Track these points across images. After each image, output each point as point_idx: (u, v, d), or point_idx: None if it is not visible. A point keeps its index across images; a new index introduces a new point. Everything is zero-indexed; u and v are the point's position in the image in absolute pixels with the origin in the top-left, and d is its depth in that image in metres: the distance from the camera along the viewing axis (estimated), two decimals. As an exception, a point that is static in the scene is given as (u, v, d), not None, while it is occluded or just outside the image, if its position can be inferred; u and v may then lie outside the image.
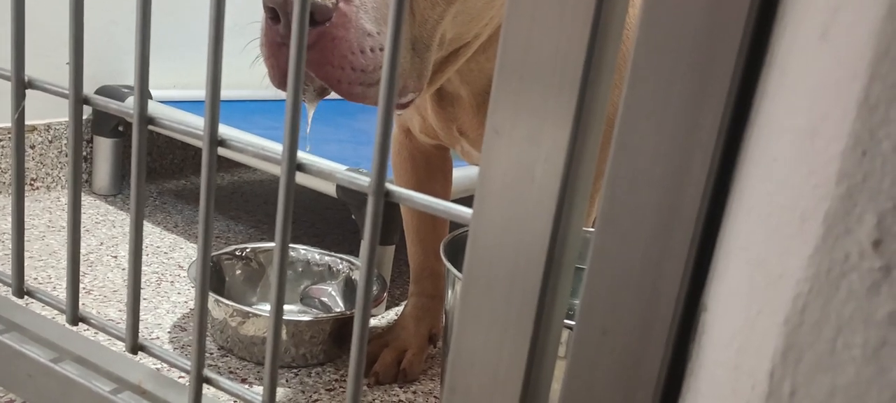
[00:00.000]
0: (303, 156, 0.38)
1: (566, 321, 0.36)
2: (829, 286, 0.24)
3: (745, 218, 0.28)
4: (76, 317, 0.52)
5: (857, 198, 0.24)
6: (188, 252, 1.32)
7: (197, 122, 1.28)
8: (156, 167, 1.67)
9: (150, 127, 0.45)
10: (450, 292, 0.77)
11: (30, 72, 0.49)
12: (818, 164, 0.25)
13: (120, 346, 0.51)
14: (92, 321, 0.52)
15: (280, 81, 0.61)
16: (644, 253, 0.29)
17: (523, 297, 0.34)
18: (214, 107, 0.42)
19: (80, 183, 0.49)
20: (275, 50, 0.60)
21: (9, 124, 1.42)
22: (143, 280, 1.18)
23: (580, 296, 0.31)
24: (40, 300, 0.54)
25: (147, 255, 1.28)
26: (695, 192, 0.28)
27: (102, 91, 1.49)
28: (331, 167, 0.39)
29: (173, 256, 1.30)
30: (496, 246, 0.34)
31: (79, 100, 0.46)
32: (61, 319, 0.55)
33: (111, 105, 0.47)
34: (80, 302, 1.09)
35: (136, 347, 0.50)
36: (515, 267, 0.34)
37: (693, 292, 0.29)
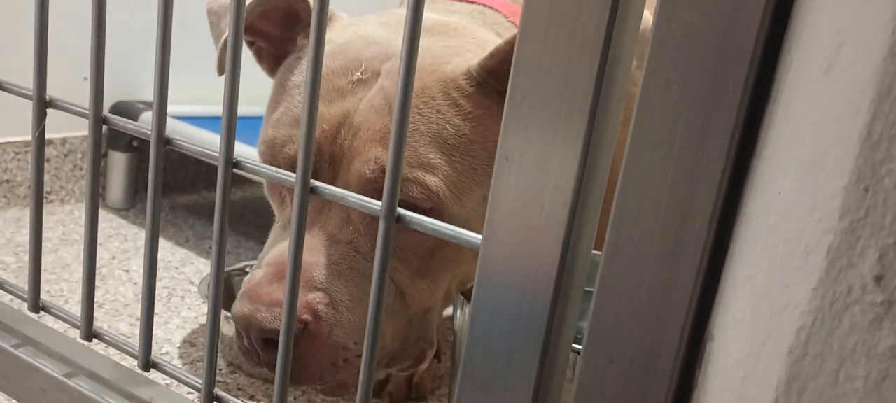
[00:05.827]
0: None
1: (574, 345, 0.36)
2: (832, 318, 0.25)
3: (750, 249, 0.28)
4: (90, 333, 0.53)
5: (859, 233, 0.24)
6: (199, 267, 1.33)
7: (213, 141, 1.28)
8: (168, 182, 1.69)
9: (166, 146, 0.46)
10: (458, 312, 0.77)
11: (48, 87, 0.50)
12: (822, 198, 0.25)
13: (131, 362, 0.52)
14: (105, 337, 0.53)
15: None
16: (651, 282, 0.29)
17: (531, 322, 0.34)
18: (231, 127, 0.43)
19: (97, 199, 0.50)
20: (245, 351, 0.60)
21: (25, 138, 1.44)
22: (154, 294, 1.19)
23: (587, 323, 0.31)
24: (55, 315, 0.55)
25: (158, 270, 1.29)
26: (701, 223, 0.29)
27: (118, 107, 1.50)
28: (343, 191, 0.40)
29: (184, 271, 1.31)
30: (505, 271, 0.35)
31: (98, 120, 0.47)
32: (74, 333, 0.56)
33: (129, 125, 0.48)
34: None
35: (148, 364, 0.50)
36: (524, 291, 0.34)
37: (699, 320, 0.29)
